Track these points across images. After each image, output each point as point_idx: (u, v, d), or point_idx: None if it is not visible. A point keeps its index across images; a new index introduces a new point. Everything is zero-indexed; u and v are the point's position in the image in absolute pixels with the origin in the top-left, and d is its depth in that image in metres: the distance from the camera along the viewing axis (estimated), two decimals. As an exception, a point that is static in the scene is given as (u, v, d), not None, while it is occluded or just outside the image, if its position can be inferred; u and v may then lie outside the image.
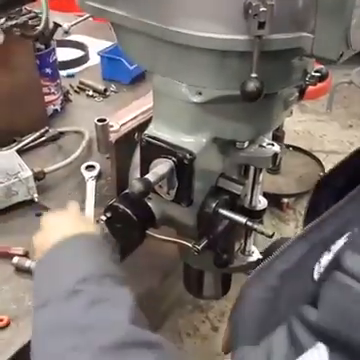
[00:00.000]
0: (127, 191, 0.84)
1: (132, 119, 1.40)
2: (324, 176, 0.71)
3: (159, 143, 0.71)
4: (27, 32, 1.14)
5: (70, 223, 0.74)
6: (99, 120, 1.22)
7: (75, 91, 1.58)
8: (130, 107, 1.47)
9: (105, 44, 1.82)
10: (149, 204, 0.81)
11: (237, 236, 0.93)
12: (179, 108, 0.69)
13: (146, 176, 0.67)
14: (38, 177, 1.07)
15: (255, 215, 0.87)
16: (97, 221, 0.95)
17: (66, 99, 1.49)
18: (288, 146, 2.62)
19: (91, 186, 1.11)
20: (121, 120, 1.31)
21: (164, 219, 0.82)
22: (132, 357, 0.51)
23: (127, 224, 0.80)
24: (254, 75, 0.57)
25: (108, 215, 0.83)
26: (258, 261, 0.94)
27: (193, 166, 0.69)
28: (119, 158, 0.82)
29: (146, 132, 0.73)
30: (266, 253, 0.90)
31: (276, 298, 0.60)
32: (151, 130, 0.73)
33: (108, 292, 0.59)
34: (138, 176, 0.84)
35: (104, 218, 0.82)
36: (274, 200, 2.36)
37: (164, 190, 0.72)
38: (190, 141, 0.71)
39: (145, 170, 0.75)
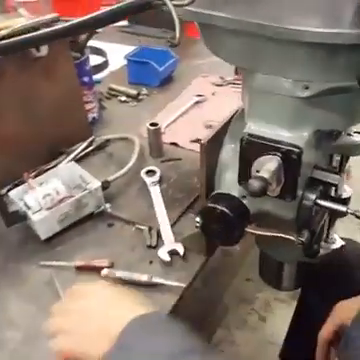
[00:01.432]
0: (217, 192, 0.85)
1: (173, 121, 1.41)
2: None
3: (262, 141, 0.71)
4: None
5: (118, 301, 0.61)
6: (151, 124, 1.22)
7: (106, 97, 1.57)
8: (168, 109, 1.47)
9: (122, 48, 1.82)
10: (244, 202, 0.82)
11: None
12: (283, 104, 0.69)
13: (260, 174, 0.67)
14: (104, 186, 1.06)
15: (342, 203, 0.88)
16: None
17: (101, 106, 1.48)
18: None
19: (156, 191, 1.10)
20: (164, 123, 1.31)
21: (259, 215, 0.83)
22: None
23: (226, 224, 0.80)
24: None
25: (199, 219, 0.83)
26: (342, 247, 0.95)
27: (301, 160, 0.70)
28: (208, 160, 0.82)
29: (245, 130, 0.73)
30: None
31: None
32: (251, 128, 0.73)
33: None
34: (229, 176, 0.85)
35: (199, 222, 0.82)
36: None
37: (272, 187, 0.72)
38: (294, 136, 0.71)
39: (245, 170, 0.75)
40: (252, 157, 0.73)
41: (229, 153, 0.85)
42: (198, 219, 0.83)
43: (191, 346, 0.56)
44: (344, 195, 0.88)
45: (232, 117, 0.87)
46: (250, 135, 0.73)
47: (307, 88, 0.66)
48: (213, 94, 1.57)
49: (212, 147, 0.82)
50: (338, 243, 0.96)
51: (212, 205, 0.81)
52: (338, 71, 0.64)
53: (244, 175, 0.77)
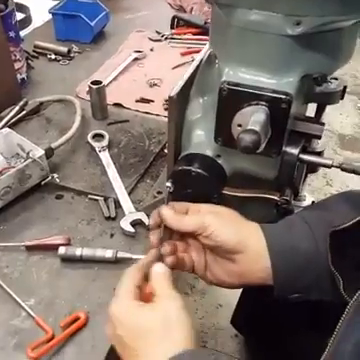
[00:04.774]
0: (186, 153, 0.75)
1: (114, 79, 1.28)
2: None
3: (246, 89, 0.63)
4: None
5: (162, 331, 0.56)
6: (93, 83, 1.09)
7: (32, 56, 1.39)
8: (105, 67, 1.33)
9: (44, 2, 1.64)
10: (219, 162, 0.73)
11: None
12: (269, 44, 0.61)
13: (250, 127, 0.59)
14: (48, 154, 0.92)
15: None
16: (158, 193, 0.85)
17: (28, 66, 1.31)
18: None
19: (106, 157, 0.98)
20: (104, 82, 1.17)
21: (233, 176, 0.75)
22: None
23: (203, 187, 0.71)
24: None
25: (170, 184, 0.73)
26: (313, 203, 0.90)
27: (290, 110, 0.62)
28: (178, 116, 0.72)
29: (224, 79, 0.64)
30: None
31: None
32: (230, 76, 0.64)
33: None
34: (199, 134, 0.75)
35: (171, 186, 0.73)
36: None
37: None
38: (281, 82, 0.63)
39: (224, 124, 0.66)
40: (233, 109, 0.64)
41: (197, 108, 0.76)
42: (169, 184, 0.73)
43: None
44: (318, 148, 0.83)
45: (197, 67, 0.77)
46: (229, 83, 0.64)
47: (299, 24, 0.58)
48: (151, 50, 1.45)
49: (181, 101, 0.72)
50: (308, 200, 0.91)
51: (185, 167, 0.71)
52: (338, 3, 0.56)
53: (222, 130, 0.68)
